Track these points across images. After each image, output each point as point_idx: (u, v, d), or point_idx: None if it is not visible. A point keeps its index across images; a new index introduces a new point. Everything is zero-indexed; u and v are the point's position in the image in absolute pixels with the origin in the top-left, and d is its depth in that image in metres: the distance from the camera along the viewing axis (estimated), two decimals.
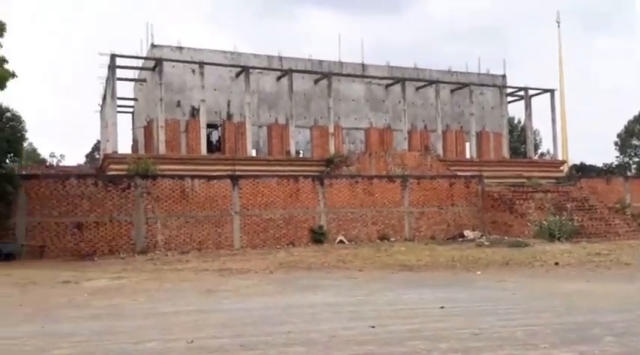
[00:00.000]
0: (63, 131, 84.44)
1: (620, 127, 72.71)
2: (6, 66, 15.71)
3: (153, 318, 8.26)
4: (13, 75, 15.49)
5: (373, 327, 7.20)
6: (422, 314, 8.28)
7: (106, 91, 32.99)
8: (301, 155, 33.91)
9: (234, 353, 6.07)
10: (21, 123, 18.27)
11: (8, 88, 15.59)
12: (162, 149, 28.70)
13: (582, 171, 48.21)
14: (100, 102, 38.77)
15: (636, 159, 71.11)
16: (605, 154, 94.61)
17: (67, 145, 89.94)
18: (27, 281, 13.14)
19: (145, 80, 33.67)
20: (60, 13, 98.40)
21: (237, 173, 24.49)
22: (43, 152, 56.23)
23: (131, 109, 40.60)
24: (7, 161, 18.77)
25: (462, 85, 36.56)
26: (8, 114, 18.11)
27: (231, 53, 32.92)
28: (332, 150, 31.49)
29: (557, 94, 37.89)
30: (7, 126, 17.78)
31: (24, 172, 22.02)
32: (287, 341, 6.57)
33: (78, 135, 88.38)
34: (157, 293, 11.08)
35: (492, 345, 6.26)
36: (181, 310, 8.95)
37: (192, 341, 6.59)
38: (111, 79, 29.10)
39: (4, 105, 18.24)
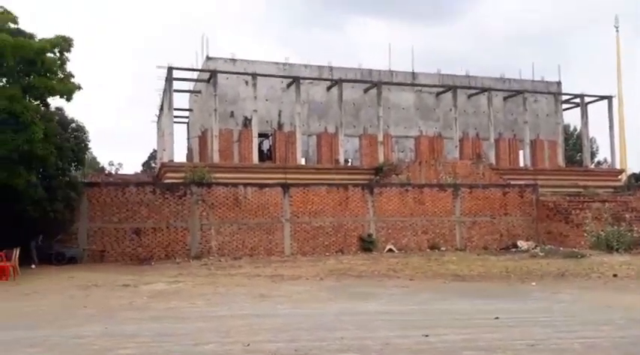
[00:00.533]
0: (120, 140, 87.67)
1: None
2: (72, 80, 16.57)
3: (210, 321, 8.54)
4: (79, 87, 16.33)
5: (427, 336, 7.21)
6: (476, 324, 8.22)
7: (163, 102, 34.17)
8: (350, 163, 34.03)
9: None
10: (85, 133, 19.21)
11: (74, 99, 16.42)
12: (215, 158, 29.46)
13: None
14: (157, 113, 40.16)
15: None
16: None
17: (124, 154, 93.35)
18: (89, 284, 13.77)
19: (200, 91, 34.71)
20: (118, 26, 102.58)
21: (288, 181, 24.89)
22: (102, 160, 58.65)
23: (186, 120, 41.89)
24: (72, 169, 19.72)
25: (515, 92, 35.85)
26: (73, 125, 19.09)
27: (283, 64, 33.51)
28: (381, 158, 31.48)
29: (614, 101, 36.64)
30: (72, 136, 18.73)
31: (86, 180, 23.03)
32: (341, 347, 6.68)
33: (135, 144, 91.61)
34: (213, 297, 11.42)
35: None
36: (237, 314, 9.20)
37: (248, 345, 6.79)
38: (168, 90, 30.16)
39: (70, 116, 19.24)
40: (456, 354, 6.30)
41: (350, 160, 34.55)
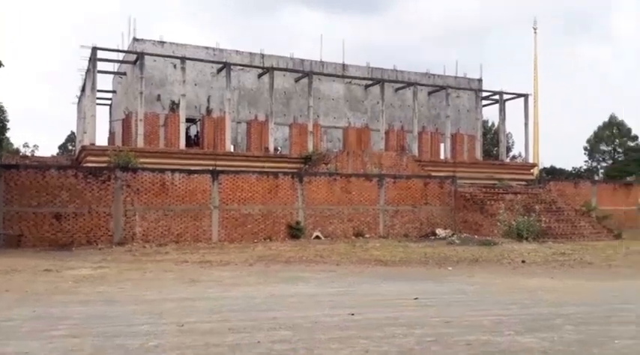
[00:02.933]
0: (34, 122, 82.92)
1: (590, 133, 74.71)
2: None
3: (142, 305, 8.62)
4: (1, 64, 15.51)
5: (353, 315, 7.70)
6: (398, 304, 8.82)
7: (85, 83, 32.84)
8: (279, 152, 34.28)
9: (224, 336, 6.48)
10: (3, 113, 18.27)
11: None
12: (140, 142, 28.77)
13: (552, 174, 49.67)
14: (78, 94, 38.51)
15: (604, 165, 73.25)
16: (575, 159, 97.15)
17: (38, 136, 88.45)
18: (8, 269, 13.29)
19: (125, 73, 33.64)
20: (39, 3, 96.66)
21: (217, 168, 24.78)
22: (15, 142, 55.40)
23: (109, 102, 40.44)
24: None
25: (439, 87, 37.37)
26: None
27: (214, 49, 33.11)
28: (310, 147, 31.94)
29: (530, 99, 39.04)
30: None
31: (2, 162, 21.89)
32: (273, 325, 7.02)
33: (50, 126, 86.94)
34: (141, 282, 11.41)
35: (462, 331, 6.82)
36: (168, 297, 9.32)
37: (183, 325, 7.00)
38: (92, 71, 29.04)
39: None
40: (380, 329, 6.82)
41: (279, 149, 34.79)
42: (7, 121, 18.36)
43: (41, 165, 22.12)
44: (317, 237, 23.38)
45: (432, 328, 6.96)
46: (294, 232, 23.24)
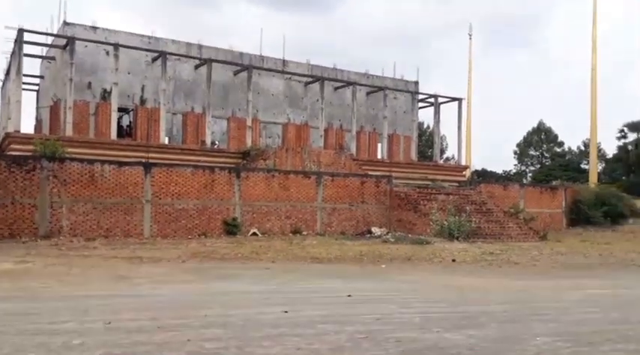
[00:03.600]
0: None
1: (519, 137, 78.16)
2: None
3: (66, 301, 8.24)
4: None
5: (286, 312, 7.66)
6: (331, 301, 8.87)
7: (10, 66, 31.03)
8: (217, 146, 33.73)
9: (152, 334, 6.27)
10: None
11: None
12: (69, 131, 27.51)
13: (483, 176, 51.64)
14: (2, 78, 36.34)
15: (532, 168, 76.81)
16: (506, 162, 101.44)
17: None
18: None
19: (53, 58, 32.01)
20: None
21: (150, 160, 24.07)
22: None
23: (36, 87, 38.40)
24: None
25: (377, 88, 37.93)
26: None
27: (149, 37, 32.11)
28: (249, 142, 31.62)
29: (464, 103, 40.34)
30: None
31: None
32: (204, 323, 6.87)
33: None
34: (67, 277, 10.92)
35: (392, 328, 6.92)
36: (95, 294, 8.95)
37: (109, 323, 6.71)
38: (17, 54, 27.46)
39: None
40: (312, 327, 6.81)
41: (217, 143, 34.23)
42: None
43: None
44: (254, 234, 23.21)
45: (364, 325, 7.03)
46: (231, 228, 22.95)
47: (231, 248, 18.16)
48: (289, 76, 35.84)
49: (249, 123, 31.99)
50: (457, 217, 23.76)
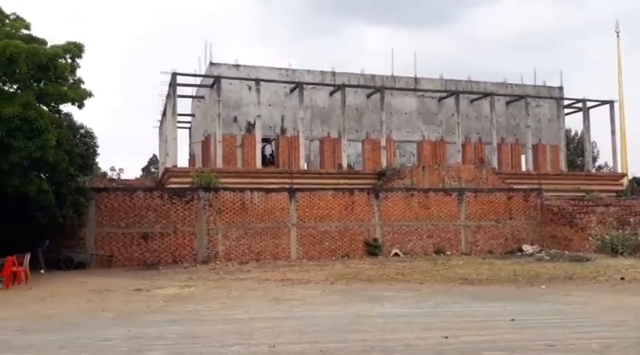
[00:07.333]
0: (118, 145, 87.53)
1: None
2: (82, 86, 16.72)
3: (231, 324, 8.68)
4: (90, 94, 16.46)
5: (447, 337, 7.35)
6: (493, 326, 8.36)
7: (166, 107, 34.31)
8: (353, 168, 34.18)
9: None
10: (94, 139, 19.35)
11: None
12: (219, 163, 29.60)
13: None
14: (160, 118, 40.29)
15: None
16: None
17: (123, 159, 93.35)
18: (102, 289, 13.88)
19: (203, 97, 34.89)
20: (117, 32, 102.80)
21: (294, 186, 25.01)
22: (103, 166, 58.68)
23: (188, 125, 42.02)
24: (81, 175, 19.83)
25: (517, 97, 36.08)
26: (82, 130, 19.22)
27: (286, 70, 33.70)
28: (384, 163, 31.63)
29: (616, 105, 36.87)
30: (82, 142, 18.84)
31: (94, 186, 23.15)
32: (365, 348, 6.82)
33: (134, 149, 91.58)
34: (228, 300, 11.54)
35: None
36: (256, 317, 9.34)
37: (274, 346, 6.93)
38: (172, 95, 30.31)
39: (79, 122, 19.38)
40: (478, 354, 6.44)
41: (352, 165, 34.71)
42: (98, 147, 19.41)
43: (128, 188, 23.19)
44: (396, 254, 22.98)
45: (535, 352, 6.51)
46: (372, 249, 22.95)
47: (375, 269, 18.09)
48: (422, 93, 35.42)
49: (383, 143, 32.05)
50: (620, 230, 21.60)
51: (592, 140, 40.00)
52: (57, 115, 16.99)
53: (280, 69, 33.68)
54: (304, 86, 31.67)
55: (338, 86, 32.63)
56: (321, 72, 34.43)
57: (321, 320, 8.96)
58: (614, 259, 19.63)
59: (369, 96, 34.32)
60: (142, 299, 12.06)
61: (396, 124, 35.07)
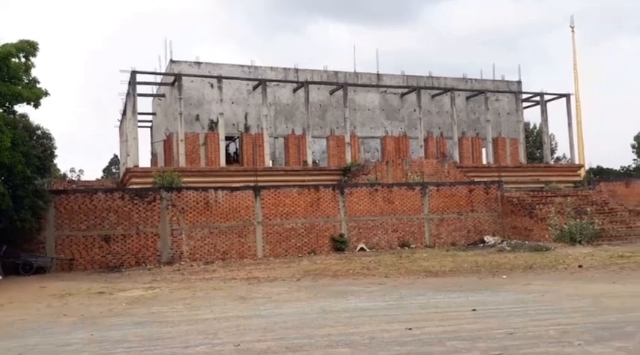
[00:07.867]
0: (76, 146, 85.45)
1: (637, 130, 72.07)
2: (38, 85, 16.25)
3: (195, 324, 8.60)
4: (46, 93, 16.01)
5: (410, 329, 7.47)
6: (455, 316, 8.53)
7: (126, 107, 33.66)
8: (318, 165, 34.27)
9: None
10: (51, 140, 18.88)
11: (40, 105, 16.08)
12: (182, 162, 29.22)
13: (599, 174, 47.98)
14: (120, 118, 39.51)
15: None
16: (623, 157, 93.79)
17: (84, 161, 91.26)
18: (63, 293, 13.56)
19: (164, 95, 34.35)
20: (77, 32, 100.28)
21: (258, 184, 24.90)
22: (62, 167, 57.10)
23: (149, 124, 41.33)
24: (38, 177, 19.29)
25: (477, 91, 36.78)
26: (39, 132, 18.70)
27: (249, 67, 33.48)
28: (348, 159, 31.81)
29: (572, 99, 37.94)
30: (38, 143, 18.33)
31: (52, 188, 22.52)
32: (330, 342, 6.87)
33: (95, 150, 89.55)
34: (193, 301, 11.43)
35: (528, 343, 6.51)
36: (221, 316, 9.28)
37: (239, 345, 6.91)
38: (132, 94, 29.74)
39: (35, 123, 18.83)
40: (441, 344, 6.57)
41: (317, 161, 34.79)
42: (55, 148, 18.93)
43: (88, 189, 22.63)
44: (362, 249, 23.15)
45: (496, 341, 6.67)
46: (338, 245, 23.06)
47: (341, 264, 18.19)
48: (384, 89, 35.73)
49: (347, 139, 32.22)
50: (578, 220, 22.22)
51: (550, 132, 41.11)
52: (11, 116, 16.47)
53: (243, 66, 33.44)
54: (267, 83, 31.53)
55: (301, 83, 32.61)
56: (284, 69, 34.35)
57: (287, 317, 8.98)
58: (572, 248, 20.24)
59: (332, 92, 34.43)
60: (105, 302, 11.83)
61: (360, 120, 35.30)
